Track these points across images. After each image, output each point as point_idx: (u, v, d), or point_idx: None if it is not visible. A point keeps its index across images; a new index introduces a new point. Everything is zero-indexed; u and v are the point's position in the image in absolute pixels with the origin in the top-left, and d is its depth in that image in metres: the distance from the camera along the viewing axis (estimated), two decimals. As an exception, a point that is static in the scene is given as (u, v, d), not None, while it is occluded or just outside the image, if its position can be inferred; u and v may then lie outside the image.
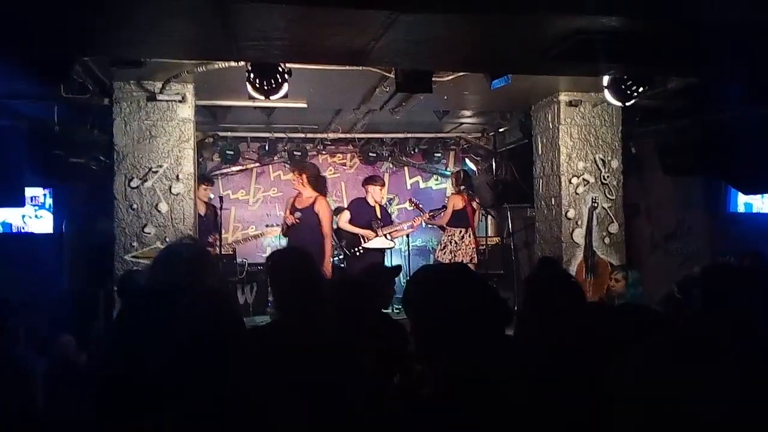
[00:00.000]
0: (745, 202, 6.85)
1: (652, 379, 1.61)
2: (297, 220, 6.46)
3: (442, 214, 7.95)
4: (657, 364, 1.69)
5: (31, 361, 3.76)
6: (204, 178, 8.11)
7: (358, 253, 7.18)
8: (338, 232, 7.31)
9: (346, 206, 7.72)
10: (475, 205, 7.91)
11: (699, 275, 3.68)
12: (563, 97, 6.63)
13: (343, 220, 7.29)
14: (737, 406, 1.51)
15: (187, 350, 1.24)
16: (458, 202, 7.83)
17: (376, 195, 7.38)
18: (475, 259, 7.71)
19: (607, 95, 5.46)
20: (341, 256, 7.54)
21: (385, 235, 7.23)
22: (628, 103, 5.47)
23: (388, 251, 9.07)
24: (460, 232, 7.78)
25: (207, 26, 3.83)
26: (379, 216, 7.30)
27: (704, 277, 3.07)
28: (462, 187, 7.94)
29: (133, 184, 5.90)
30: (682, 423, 1.54)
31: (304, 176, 6.70)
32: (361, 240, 7.19)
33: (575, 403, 1.75)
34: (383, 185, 7.54)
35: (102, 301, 6.08)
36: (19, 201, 5.98)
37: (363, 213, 7.28)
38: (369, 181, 7.54)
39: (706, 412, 1.51)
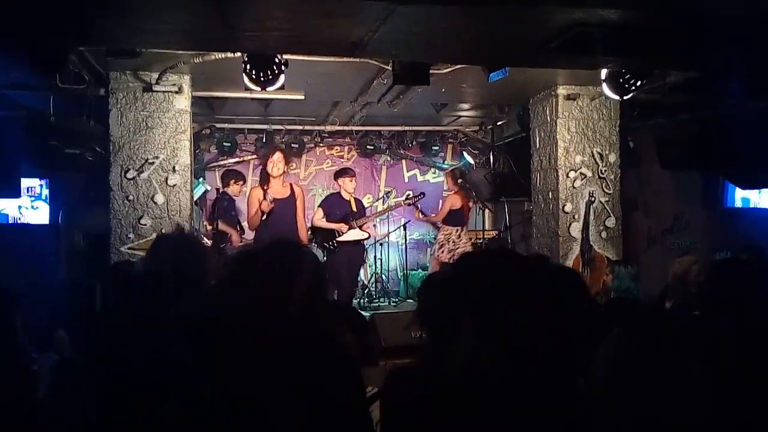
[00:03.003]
0: (742, 197, 6.84)
1: (628, 374, 1.59)
2: (270, 206, 6.06)
3: (437, 211, 7.91)
4: (633, 361, 1.67)
5: (31, 354, 3.74)
6: (236, 173, 8.03)
7: (332, 247, 6.98)
8: (312, 229, 7.08)
9: (319, 204, 7.38)
10: (471, 203, 7.89)
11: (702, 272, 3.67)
12: (561, 91, 6.62)
13: (318, 218, 7.04)
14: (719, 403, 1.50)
15: (172, 340, 1.23)
16: (456, 202, 7.83)
17: (348, 187, 7.11)
18: None
19: (605, 89, 5.45)
20: (316, 249, 7.17)
21: (360, 227, 7.07)
22: (626, 97, 5.46)
23: (385, 244, 9.11)
24: (457, 230, 7.79)
25: (204, 16, 3.81)
26: (354, 209, 7.07)
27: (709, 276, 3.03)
28: (460, 181, 7.94)
29: (130, 175, 5.89)
30: (662, 420, 1.53)
31: (284, 155, 6.29)
32: (336, 233, 7.00)
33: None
34: (353, 176, 7.26)
35: (99, 293, 6.06)
36: (15, 192, 5.96)
37: (338, 208, 7.04)
38: (340, 174, 7.24)
39: (683, 409, 1.50)
